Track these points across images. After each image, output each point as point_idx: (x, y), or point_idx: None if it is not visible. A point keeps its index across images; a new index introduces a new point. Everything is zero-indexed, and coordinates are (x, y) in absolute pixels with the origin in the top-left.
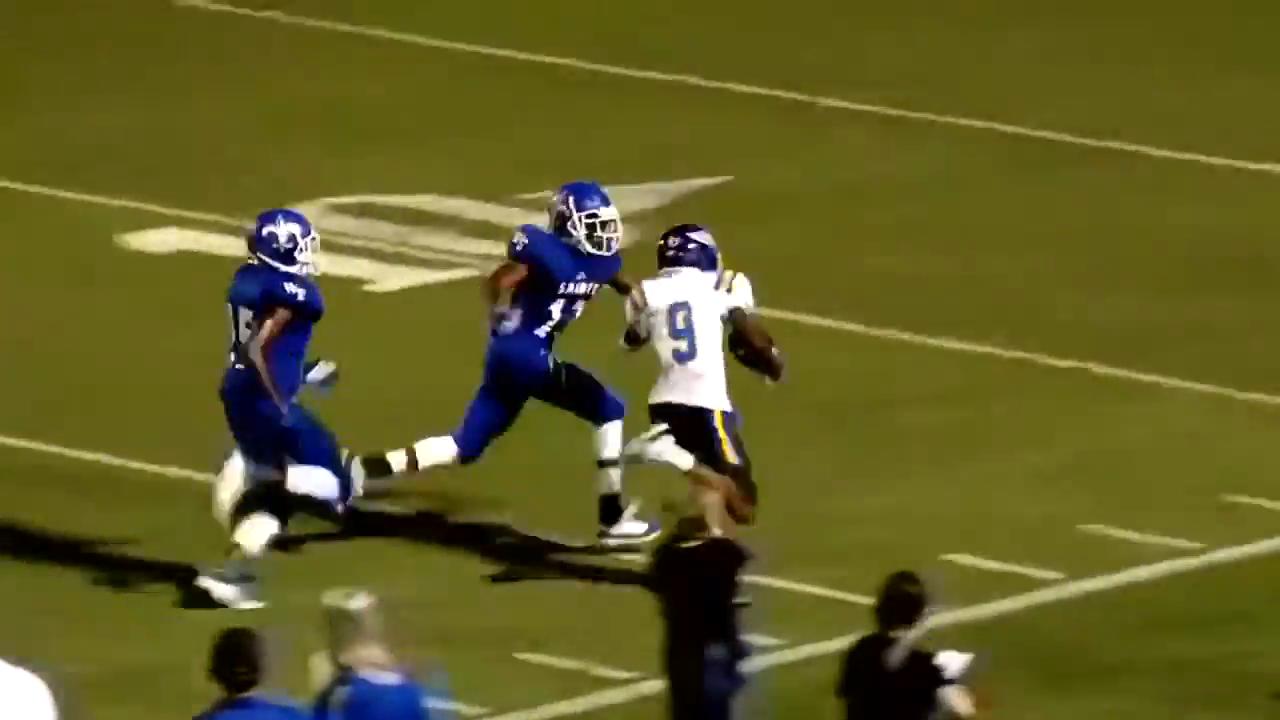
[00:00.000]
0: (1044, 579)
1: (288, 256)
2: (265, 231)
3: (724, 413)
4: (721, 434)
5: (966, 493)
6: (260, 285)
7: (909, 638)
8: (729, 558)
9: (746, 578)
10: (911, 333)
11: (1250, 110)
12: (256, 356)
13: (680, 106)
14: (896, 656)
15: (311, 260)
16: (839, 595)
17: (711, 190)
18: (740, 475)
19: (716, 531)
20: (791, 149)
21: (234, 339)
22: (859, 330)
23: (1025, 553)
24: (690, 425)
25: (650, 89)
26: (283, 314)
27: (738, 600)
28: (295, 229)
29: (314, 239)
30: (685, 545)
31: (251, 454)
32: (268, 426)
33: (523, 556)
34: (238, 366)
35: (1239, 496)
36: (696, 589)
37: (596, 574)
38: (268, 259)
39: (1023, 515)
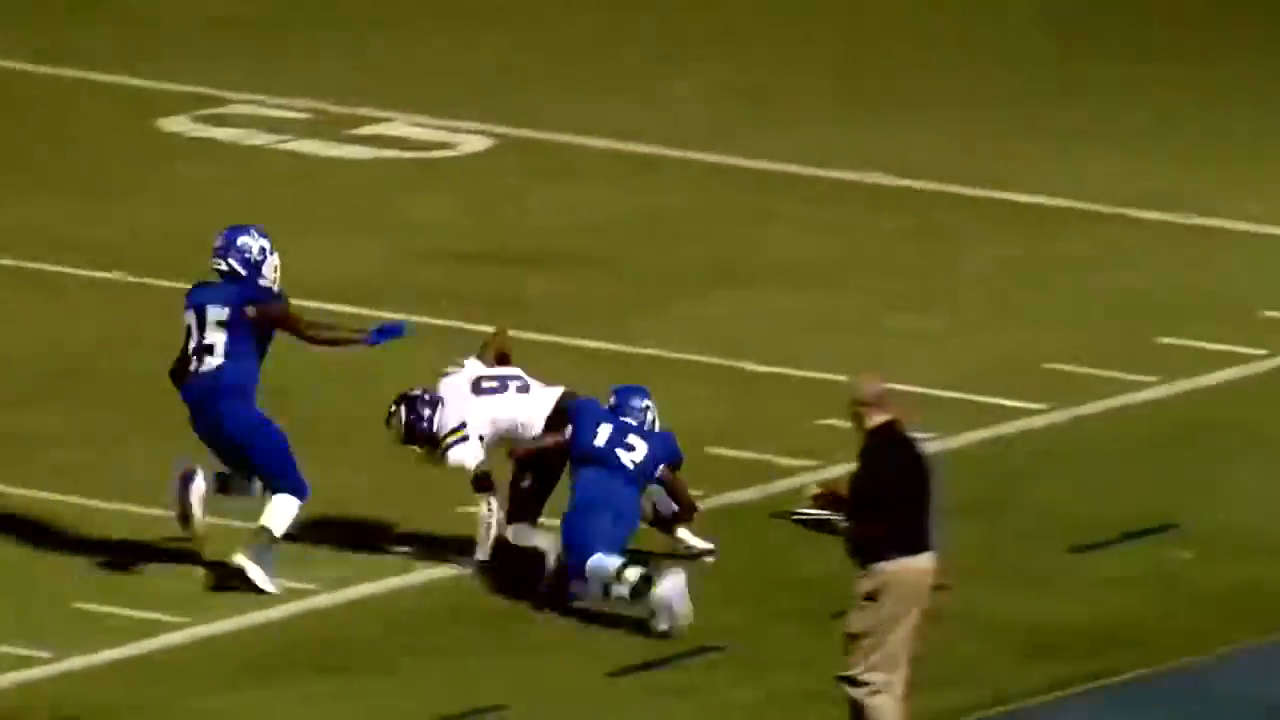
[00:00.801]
0: None
1: (258, 267)
2: (239, 241)
3: None
4: None
5: None
6: (240, 289)
7: None
8: None
9: None
10: None
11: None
12: (327, 343)
13: None
14: None
15: (275, 276)
16: None
17: None
18: None
19: None
20: None
21: (199, 343)
22: None
23: None
24: None
25: None
26: (283, 307)
27: None
28: (265, 243)
29: (275, 254)
30: None
31: (222, 458)
32: (234, 425)
33: None
34: (202, 370)
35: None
36: None
37: None
38: (238, 267)
39: None
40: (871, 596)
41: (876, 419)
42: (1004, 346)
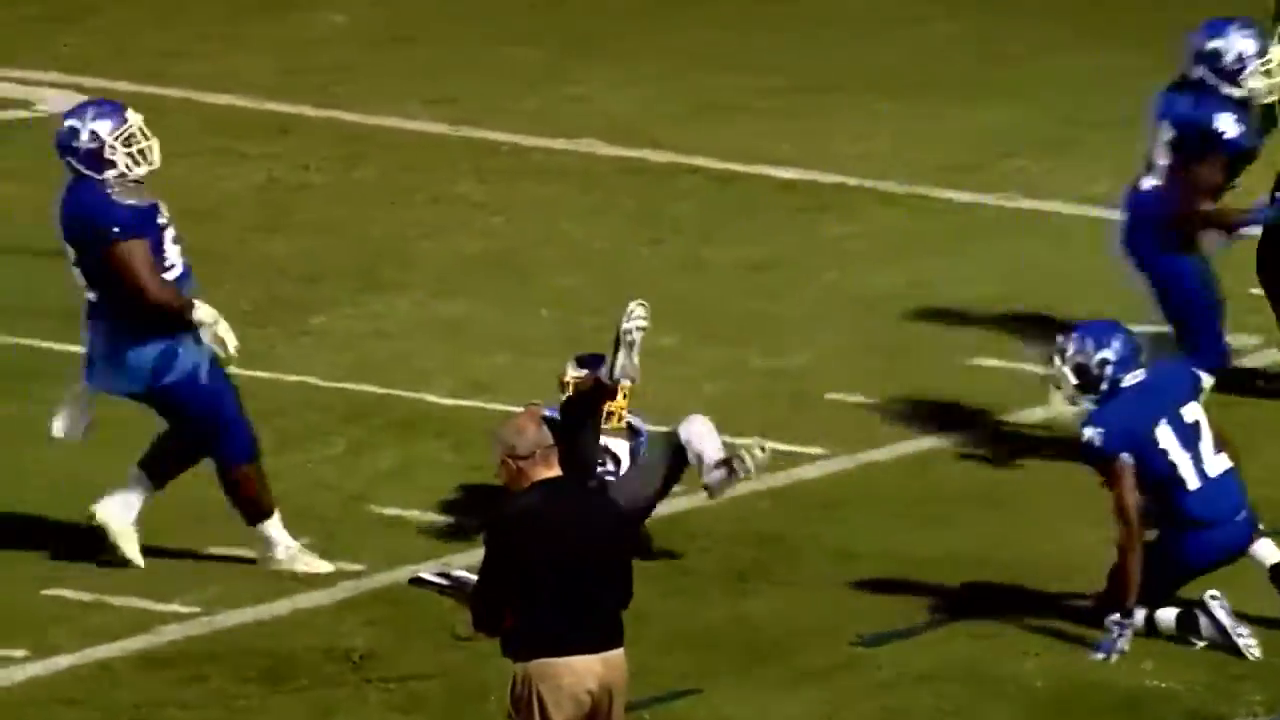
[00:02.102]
0: None
1: (1232, 77)
2: (1221, 44)
3: None
4: None
5: None
6: (1200, 107)
7: None
8: None
9: None
10: None
11: None
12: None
13: None
14: None
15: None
16: None
17: None
18: None
19: None
20: None
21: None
22: None
23: None
24: None
25: None
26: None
27: None
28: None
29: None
30: None
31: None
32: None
33: None
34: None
35: None
36: None
37: None
38: (1216, 80)
39: None
40: (514, 708)
41: (539, 474)
42: None
